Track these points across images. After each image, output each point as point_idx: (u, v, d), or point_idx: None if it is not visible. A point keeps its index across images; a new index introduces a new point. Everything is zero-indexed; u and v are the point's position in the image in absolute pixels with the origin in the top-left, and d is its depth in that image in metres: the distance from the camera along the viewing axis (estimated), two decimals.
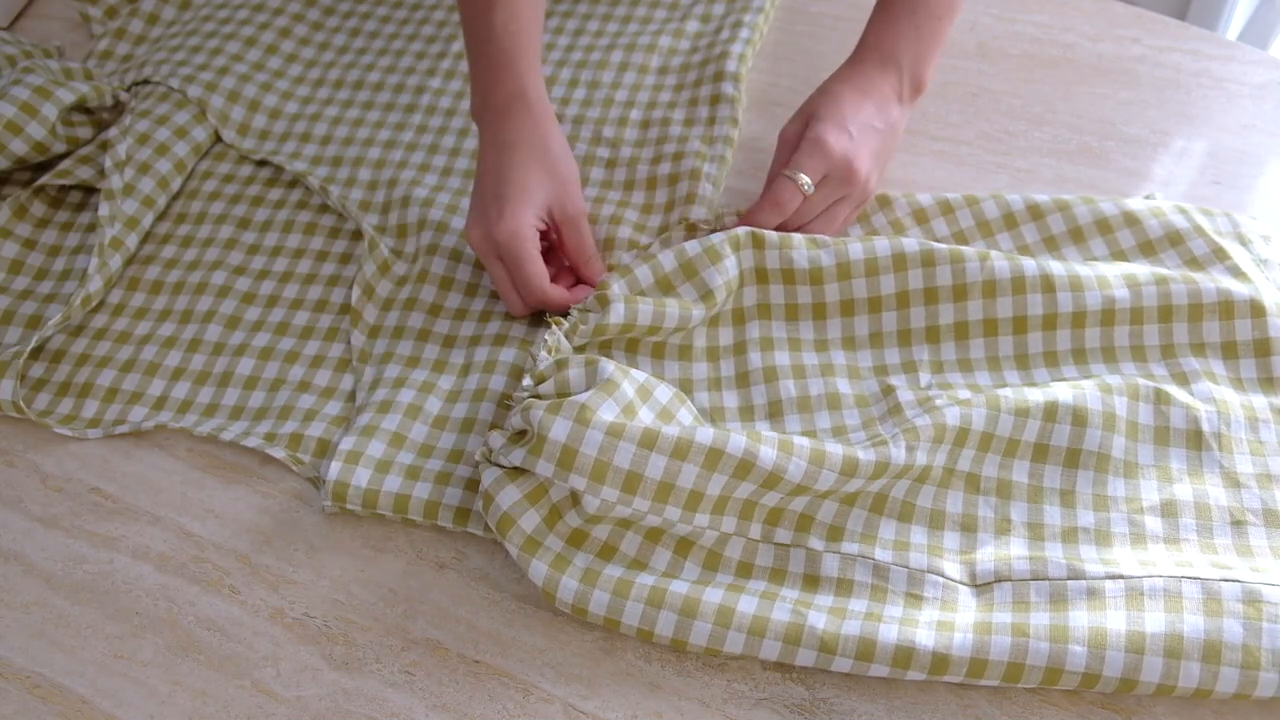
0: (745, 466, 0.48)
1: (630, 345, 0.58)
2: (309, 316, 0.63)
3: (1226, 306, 0.55)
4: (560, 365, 0.52)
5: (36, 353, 0.62)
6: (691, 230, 0.64)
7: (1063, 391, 0.53)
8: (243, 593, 0.52)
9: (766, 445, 0.48)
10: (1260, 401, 0.53)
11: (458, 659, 0.49)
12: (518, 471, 0.49)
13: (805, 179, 0.58)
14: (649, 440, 0.48)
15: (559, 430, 0.48)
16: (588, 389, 0.50)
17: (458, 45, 0.77)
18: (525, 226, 0.57)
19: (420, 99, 0.74)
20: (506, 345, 0.59)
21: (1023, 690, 0.47)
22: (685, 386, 0.57)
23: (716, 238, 0.58)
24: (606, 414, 0.48)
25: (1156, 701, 0.46)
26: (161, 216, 0.69)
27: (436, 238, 0.64)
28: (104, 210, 0.65)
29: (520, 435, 0.50)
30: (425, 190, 0.67)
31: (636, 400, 0.50)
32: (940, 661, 0.45)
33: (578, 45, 0.76)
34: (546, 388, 0.51)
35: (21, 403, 0.59)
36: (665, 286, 0.57)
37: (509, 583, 0.52)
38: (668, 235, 0.64)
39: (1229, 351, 0.55)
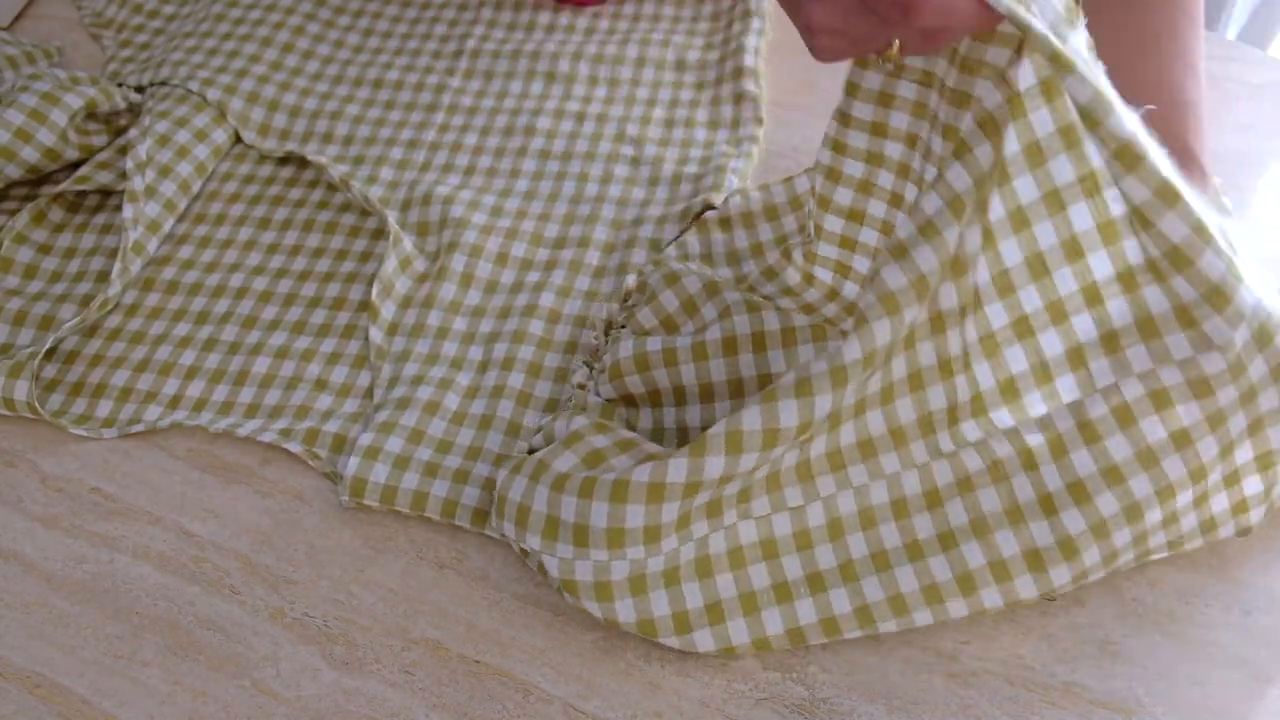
0: (693, 487, 0.46)
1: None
2: (326, 314, 0.63)
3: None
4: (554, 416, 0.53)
5: (50, 354, 0.62)
6: (707, 211, 0.64)
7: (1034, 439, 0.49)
8: (243, 593, 0.52)
9: (712, 455, 0.45)
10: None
11: (458, 659, 0.49)
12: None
13: None
14: (587, 490, 0.47)
15: (515, 489, 0.48)
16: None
17: (473, 43, 0.78)
18: None
19: (441, 98, 0.75)
20: (525, 343, 0.59)
21: (1023, 690, 0.47)
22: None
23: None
24: (562, 465, 0.48)
25: (1157, 701, 0.47)
26: (179, 218, 0.69)
27: (457, 234, 0.64)
28: (128, 213, 0.64)
29: None
30: (447, 189, 0.68)
31: (598, 450, 0.49)
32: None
33: (591, 40, 0.77)
34: (538, 439, 0.53)
35: (35, 403, 0.58)
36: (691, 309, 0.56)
37: (509, 583, 0.52)
38: (690, 213, 0.64)
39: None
